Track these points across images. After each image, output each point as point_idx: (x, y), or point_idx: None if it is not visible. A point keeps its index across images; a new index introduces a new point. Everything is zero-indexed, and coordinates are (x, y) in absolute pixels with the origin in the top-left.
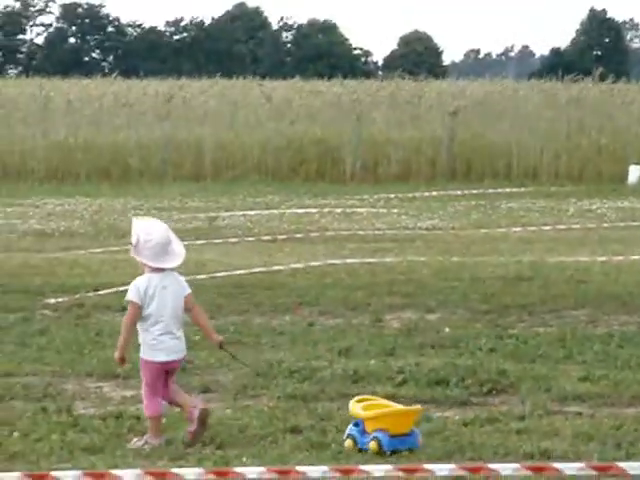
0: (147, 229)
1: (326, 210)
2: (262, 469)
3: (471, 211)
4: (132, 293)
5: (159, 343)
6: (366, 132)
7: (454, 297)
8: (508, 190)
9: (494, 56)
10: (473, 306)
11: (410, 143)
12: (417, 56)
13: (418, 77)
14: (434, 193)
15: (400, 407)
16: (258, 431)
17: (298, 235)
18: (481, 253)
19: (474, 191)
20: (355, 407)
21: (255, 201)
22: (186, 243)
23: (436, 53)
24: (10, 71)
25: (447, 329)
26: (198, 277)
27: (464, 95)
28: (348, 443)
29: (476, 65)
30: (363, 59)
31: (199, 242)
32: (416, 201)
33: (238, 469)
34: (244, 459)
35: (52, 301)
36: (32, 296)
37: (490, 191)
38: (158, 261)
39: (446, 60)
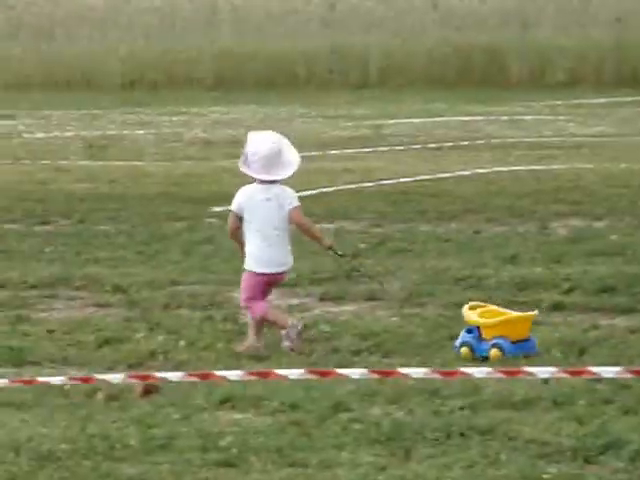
0: (255, 142)
1: (492, 117)
2: (426, 370)
3: (638, 117)
4: (233, 202)
5: (261, 255)
6: (532, 38)
7: (622, 204)
8: None
9: None
10: None
11: (576, 49)
12: None
13: None
14: (601, 100)
15: (516, 313)
16: (423, 339)
17: (464, 142)
18: None
19: None
20: (471, 314)
21: (421, 108)
22: (352, 151)
23: None
24: None
25: (614, 236)
26: (364, 185)
27: (631, 0)
28: (464, 351)
29: None
30: None
31: (365, 150)
32: (582, 108)
33: (402, 370)
34: (410, 367)
35: (217, 209)
36: (197, 205)
37: None
38: (263, 174)
39: None
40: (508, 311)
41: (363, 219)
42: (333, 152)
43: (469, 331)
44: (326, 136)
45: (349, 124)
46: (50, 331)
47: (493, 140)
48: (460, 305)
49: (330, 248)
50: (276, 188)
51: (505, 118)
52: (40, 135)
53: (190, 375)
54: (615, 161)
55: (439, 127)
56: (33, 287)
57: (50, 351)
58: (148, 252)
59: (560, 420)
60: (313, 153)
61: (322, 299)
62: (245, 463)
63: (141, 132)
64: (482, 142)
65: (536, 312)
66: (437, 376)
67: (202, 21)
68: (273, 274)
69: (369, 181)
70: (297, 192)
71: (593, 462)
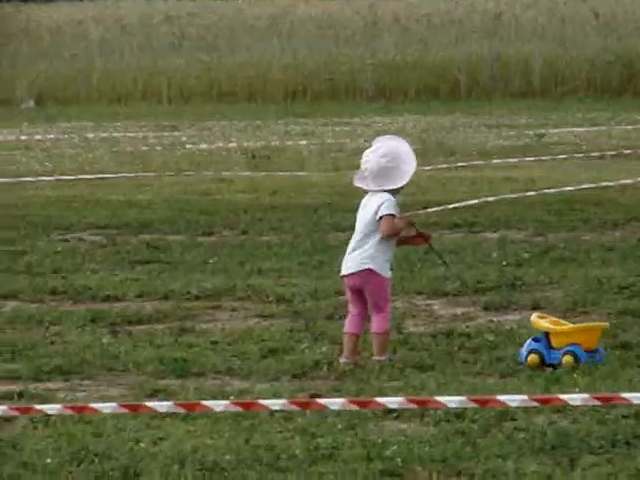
0: (367, 156)
1: None
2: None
3: None
4: None
5: (343, 259)
6: None
7: None
8: None
9: None
10: None
11: None
12: None
13: None
14: None
15: (587, 323)
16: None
17: (627, 151)
18: None
19: None
20: (542, 322)
21: (584, 117)
22: (515, 160)
23: None
24: None
25: None
26: (527, 194)
27: None
28: (533, 358)
29: None
30: None
31: (528, 159)
32: None
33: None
34: (575, 376)
35: None
36: None
37: None
38: (370, 186)
39: None
40: (571, 324)
41: (526, 228)
42: (496, 161)
43: (536, 340)
44: (488, 145)
45: (511, 133)
46: (214, 342)
47: None
48: (625, 313)
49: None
50: (375, 196)
51: None
52: (203, 146)
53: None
54: None
55: (602, 135)
56: (197, 298)
57: (214, 362)
58: (312, 262)
59: None
60: (476, 162)
61: (486, 308)
62: (410, 473)
63: (304, 142)
64: None
65: (607, 324)
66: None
67: (363, 32)
68: (343, 276)
69: (532, 190)
70: (460, 201)
71: None
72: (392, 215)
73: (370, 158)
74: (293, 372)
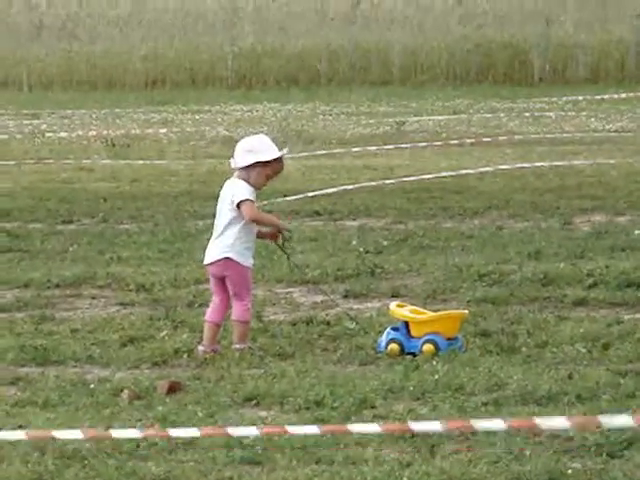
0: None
1: (514, 113)
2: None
3: None
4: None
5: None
6: (554, 34)
7: None
8: None
9: None
10: None
11: (598, 45)
12: None
13: None
14: (623, 95)
15: (446, 312)
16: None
17: (486, 139)
18: None
19: None
20: (402, 311)
21: (443, 105)
22: (374, 148)
23: None
24: None
25: (637, 231)
26: (387, 182)
27: None
28: (393, 347)
29: None
30: None
31: (387, 147)
32: (605, 104)
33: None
34: (434, 363)
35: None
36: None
37: None
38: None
39: None
40: (425, 311)
41: (386, 216)
42: (355, 149)
43: (395, 329)
44: (348, 133)
45: (371, 121)
46: (74, 330)
47: (515, 136)
48: (484, 301)
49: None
50: (228, 184)
51: (527, 114)
52: (63, 134)
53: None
54: (637, 156)
55: (461, 123)
56: (57, 286)
57: (74, 350)
58: (171, 251)
59: (584, 415)
60: (335, 150)
61: (346, 296)
62: (270, 461)
63: (164, 131)
64: (505, 138)
65: (466, 311)
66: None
67: (223, 20)
68: (205, 265)
69: (391, 178)
70: (320, 189)
71: (617, 457)
72: (250, 200)
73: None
74: (153, 360)
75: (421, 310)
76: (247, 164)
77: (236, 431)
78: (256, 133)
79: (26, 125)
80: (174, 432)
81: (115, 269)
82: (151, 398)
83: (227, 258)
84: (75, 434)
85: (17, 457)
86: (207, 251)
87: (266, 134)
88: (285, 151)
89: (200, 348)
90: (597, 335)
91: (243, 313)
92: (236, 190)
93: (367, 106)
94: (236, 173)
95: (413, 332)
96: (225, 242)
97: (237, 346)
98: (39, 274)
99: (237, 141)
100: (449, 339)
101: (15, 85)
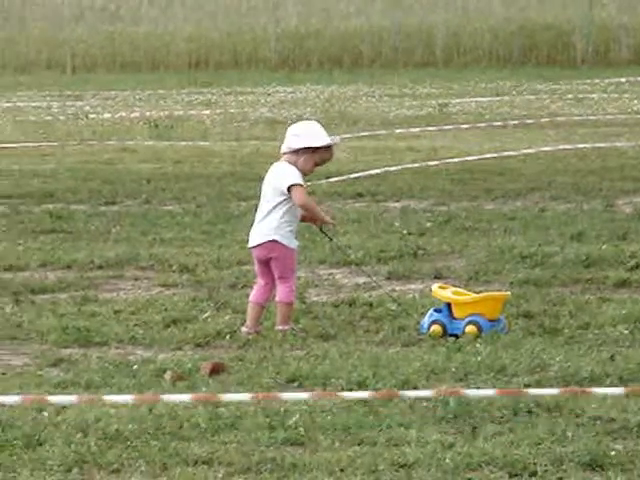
0: None
1: (557, 95)
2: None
3: None
4: None
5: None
6: (597, 16)
7: None
8: None
9: None
10: None
11: None
12: None
13: None
14: None
15: (488, 293)
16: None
17: (529, 121)
18: None
19: None
20: (445, 292)
21: (486, 87)
22: (417, 129)
23: None
24: None
25: None
26: (430, 163)
27: None
28: (436, 329)
29: None
30: None
31: (430, 128)
32: None
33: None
34: (477, 345)
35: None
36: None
37: None
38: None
39: None
40: (473, 294)
41: (428, 198)
42: (398, 131)
43: (438, 310)
44: (391, 115)
45: (414, 103)
46: (117, 311)
47: (558, 118)
48: (527, 282)
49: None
50: (275, 167)
51: (570, 96)
52: (106, 116)
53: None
54: None
55: (504, 105)
56: (100, 267)
57: (117, 331)
58: (214, 232)
59: (626, 396)
60: (378, 132)
61: (389, 277)
62: (312, 442)
63: (207, 112)
64: (547, 120)
65: (509, 293)
66: None
67: (267, 1)
68: (250, 248)
69: (434, 160)
70: (363, 171)
71: None
72: (300, 185)
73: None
74: (196, 341)
75: (463, 292)
76: (296, 148)
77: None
78: (305, 118)
79: (69, 107)
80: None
81: (158, 250)
82: (194, 379)
83: (273, 240)
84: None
85: (60, 438)
86: (251, 234)
87: (318, 121)
88: (337, 139)
89: (244, 329)
90: (639, 317)
91: (287, 294)
92: (286, 174)
93: (410, 88)
94: (284, 157)
95: (456, 314)
96: (270, 225)
97: (280, 327)
98: (82, 255)
99: (280, 123)
100: (491, 320)
101: (58, 67)
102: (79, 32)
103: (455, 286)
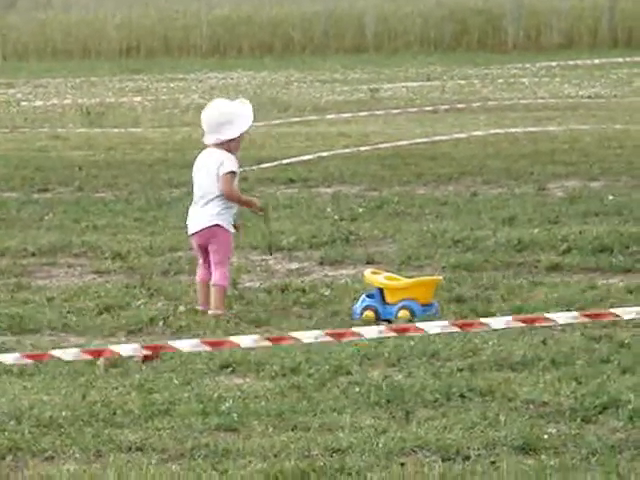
0: (205, 109)
1: (488, 80)
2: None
3: (633, 78)
4: None
5: (187, 217)
6: (527, 1)
7: (617, 165)
8: None
9: None
10: (637, 173)
11: (572, 11)
12: None
13: None
14: (596, 61)
15: (421, 278)
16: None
17: (460, 105)
18: None
19: (636, 58)
20: (377, 277)
21: (417, 72)
22: (348, 115)
23: None
24: None
25: (611, 196)
26: (361, 149)
27: None
28: (368, 314)
29: None
30: None
31: (361, 114)
32: (578, 69)
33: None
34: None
35: None
36: None
37: None
38: (207, 139)
39: None
40: (400, 277)
41: (360, 183)
42: (330, 116)
43: (370, 295)
44: (322, 100)
45: (345, 88)
46: (50, 299)
47: (489, 102)
48: (459, 267)
49: (262, 210)
50: (211, 154)
51: (501, 80)
52: (38, 103)
53: (204, 343)
54: (610, 122)
55: (435, 90)
56: (33, 255)
57: (50, 318)
58: (147, 219)
59: (559, 380)
60: (310, 117)
61: (321, 263)
62: (246, 427)
63: (138, 99)
64: (478, 104)
65: (441, 277)
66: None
67: None
68: (190, 235)
69: (366, 145)
70: (295, 157)
71: (592, 422)
72: (233, 172)
73: (207, 113)
74: (129, 328)
75: (396, 276)
76: (236, 136)
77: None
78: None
79: (1, 94)
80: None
81: (91, 237)
82: (127, 366)
83: (215, 225)
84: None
85: None
86: (191, 220)
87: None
88: (246, 101)
89: (198, 307)
90: (571, 300)
91: (222, 278)
92: (224, 162)
93: (341, 73)
94: (215, 145)
95: (388, 299)
96: (212, 211)
97: (214, 312)
98: (15, 242)
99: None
100: (424, 305)
101: None
102: (10, 20)
103: (387, 271)
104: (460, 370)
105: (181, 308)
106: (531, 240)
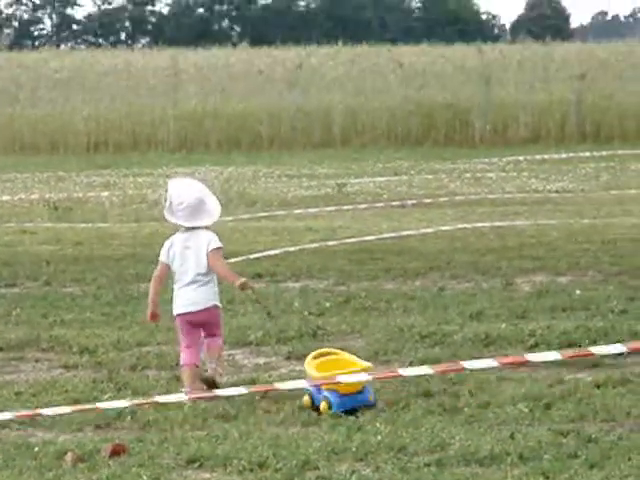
0: (179, 191)
1: (455, 174)
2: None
3: (601, 173)
4: (161, 253)
5: (177, 297)
6: (495, 95)
7: (585, 259)
8: (638, 151)
9: (622, 18)
10: (604, 268)
11: (539, 106)
12: (544, 19)
13: (545, 40)
14: (563, 155)
15: (351, 361)
16: (390, 396)
17: (427, 200)
18: (612, 215)
19: (604, 153)
20: (309, 366)
21: (384, 167)
22: (316, 210)
23: (563, 16)
24: (140, 41)
25: (578, 291)
26: (329, 243)
27: (592, 58)
28: (305, 399)
29: (604, 27)
30: (491, 23)
31: (328, 209)
32: (545, 164)
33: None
34: (377, 424)
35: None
36: None
37: (620, 152)
38: (190, 221)
39: (574, 23)
40: (351, 357)
41: (328, 277)
42: (297, 211)
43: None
44: (289, 195)
45: (312, 183)
46: (18, 393)
47: (456, 197)
48: (426, 361)
49: (245, 287)
50: (195, 235)
51: (468, 175)
52: (5, 198)
53: None
54: (578, 216)
55: (402, 185)
56: (0, 349)
57: (19, 413)
58: (115, 313)
59: (526, 475)
60: (277, 212)
61: (288, 357)
62: None
63: (106, 194)
64: (445, 199)
65: (369, 364)
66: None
67: (165, 83)
68: (185, 314)
69: (333, 240)
70: (262, 251)
71: None
72: (221, 248)
73: (186, 194)
74: (96, 423)
75: (349, 358)
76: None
77: None
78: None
79: None
80: None
81: (58, 332)
82: (95, 461)
83: (215, 306)
84: None
85: None
86: (185, 300)
87: (194, 178)
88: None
89: (186, 391)
90: (539, 395)
91: (220, 343)
92: (211, 238)
93: (308, 168)
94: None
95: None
96: (212, 289)
97: (219, 371)
98: None
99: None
100: (347, 394)
101: None
102: None
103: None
104: (428, 465)
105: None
106: (498, 335)
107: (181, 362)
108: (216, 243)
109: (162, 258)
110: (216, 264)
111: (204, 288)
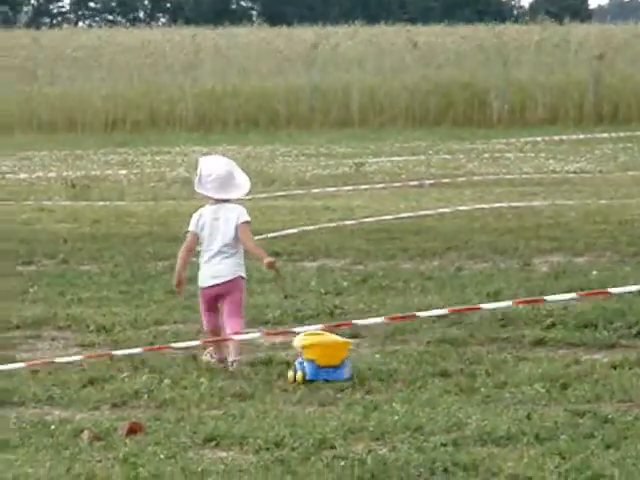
0: (208, 165)
1: (473, 154)
2: None
3: (618, 154)
4: (190, 223)
5: (202, 270)
6: (513, 76)
7: (602, 240)
8: None
9: None
10: (621, 249)
11: (557, 86)
12: (563, 0)
13: (564, 21)
14: (581, 136)
15: (332, 338)
16: (407, 376)
17: (445, 180)
18: (629, 196)
19: (621, 134)
20: (297, 338)
21: (402, 146)
22: (333, 189)
23: None
24: (159, 20)
25: (595, 272)
26: (346, 223)
27: (610, 39)
28: (290, 375)
29: (622, 8)
30: (510, 4)
31: (346, 188)
32: (563, 144)
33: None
34: (394, 404)
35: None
36: (180, 244)
37: (638, 133)
38: (219, 193)
39: (592, 4)
40: (332, 336)
41: (345, 257)
42: (314, 190)
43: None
44: (307, 174)
45: (330, 162)
46: (34, 371)
47: (474, 177)
48: (443, 341)
49: (271, 266)
50: (224, 208)
51: (486, 155)
52: (23, 176)
53: None
54: (595, 197)
55: (420, 165)
56: (17, 327)
57: (34, 391)
58: (132, 292)
59: (543, 455)
60: (295, 191)
61: None
62: None
63: (123, 172)
64: (464, 179)
65: (350, 341)
66: None
67: (184, 61)
68: (208, 287)
69: (351, 219)
70: (280, 230)
71: None
72: (249, 222)
73: (215, 166)
74: (113, 401)
75: (330, 337)
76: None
77: None
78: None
79: None
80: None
81: (75, 310)
82: (111, 439)
83: (240, 276)
84: None
85: None
86: (211, 272)
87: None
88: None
89: (214, 358)
90: (555, 375)
91: (242, 327)
92: (241, 211)
93: (326, 147)
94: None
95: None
96: (238, 261)
97: (235, 358)
98: None
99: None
100: (324, 367)
101: None
102: None
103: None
104: (444, 445)
105: (166, 381)
106: (516, 315)
107: (204, 326)
108: (246, 216)
109: (191, 228)
110: (246, 237)
111: (230, 260)
